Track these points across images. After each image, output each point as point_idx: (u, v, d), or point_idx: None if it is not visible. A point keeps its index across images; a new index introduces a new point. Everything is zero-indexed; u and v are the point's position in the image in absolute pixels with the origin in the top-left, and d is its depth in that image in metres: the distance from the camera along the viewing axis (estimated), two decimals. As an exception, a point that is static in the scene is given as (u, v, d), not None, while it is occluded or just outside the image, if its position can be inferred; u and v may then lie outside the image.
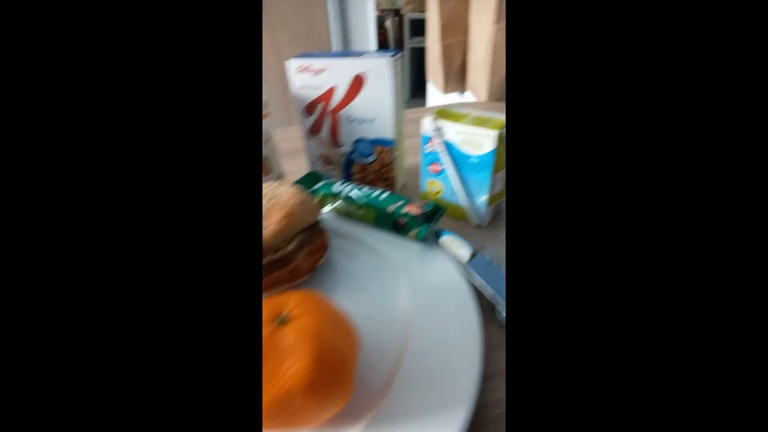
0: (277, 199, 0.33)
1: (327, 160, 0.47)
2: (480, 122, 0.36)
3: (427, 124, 0.38)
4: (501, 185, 0.39)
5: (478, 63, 0.90)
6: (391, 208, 0.36)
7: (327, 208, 0.41)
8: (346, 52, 0.42)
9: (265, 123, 0.42)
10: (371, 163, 0.45)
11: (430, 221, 0.35)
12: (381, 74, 0.39)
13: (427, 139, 0.39)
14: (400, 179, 0.48)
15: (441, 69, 1.00)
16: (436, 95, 1.27)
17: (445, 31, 0.95)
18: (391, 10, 3.37)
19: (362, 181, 0.47)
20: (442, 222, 0.41)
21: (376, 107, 0.41)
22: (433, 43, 1.00)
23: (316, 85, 0.41)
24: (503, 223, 0.41)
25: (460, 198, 0.40)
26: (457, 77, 1.01)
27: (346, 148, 0.45)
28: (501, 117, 0.37)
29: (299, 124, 0.46)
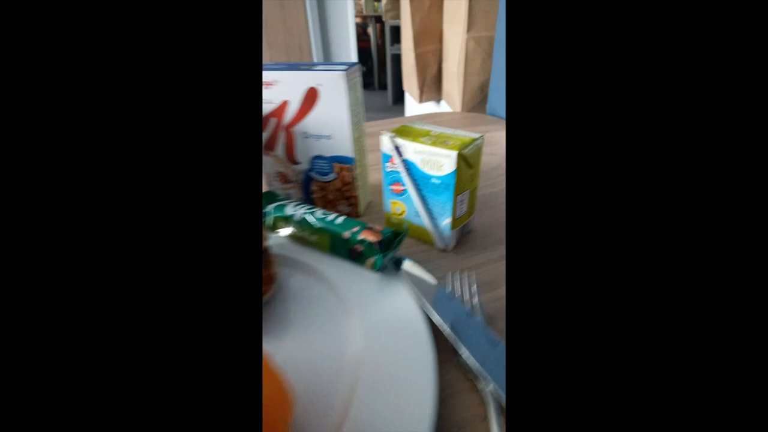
0: None
1: (284, 178, 0.44)
2: (441, 141, 0.34)
3: (386, 142, 0.36)
4: (464, 207, 0.36)
5: (452, 73, 0.88)
6: (347, 234, 0.33)
7: (280, 233, 0.37)
8: (298, 64, 0.39)
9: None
10: (331, 182, 0.42)
11: (387, 249, 0.32)
12: (335, 88, 0.36)
13: (387, 158, 0.37)
14: (365, 198, 0.45)
15: (415, 78, 0.98)
16: (413, 104, 1.25)
17: (419, 39, 0.93)
18: (372, 16, 3.37)
19: (323, 201, 0.44)
20: (406, 245, 0.39)
21: (332, 123, 0.38)
22: (407, 51, 0.99)
23: (268, 98, 0.38)
24: (470, 247, 0.38)
25: (424, 220, 0.37)
26: (432, 86, 1.00)
27: (303, 166, 0.42)
28: (464, 135, 0.35)
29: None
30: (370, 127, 0.74)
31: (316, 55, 2.28)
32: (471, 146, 0.33)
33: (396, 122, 0.77)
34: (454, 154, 0.32)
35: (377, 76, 3.65)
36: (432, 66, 0.97)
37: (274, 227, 0.37)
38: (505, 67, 0.74)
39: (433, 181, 0.34)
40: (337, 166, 0.41)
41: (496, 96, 0.79)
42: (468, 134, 0.35)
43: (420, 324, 0.28)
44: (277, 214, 0.37)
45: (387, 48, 3.15)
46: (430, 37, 0.93)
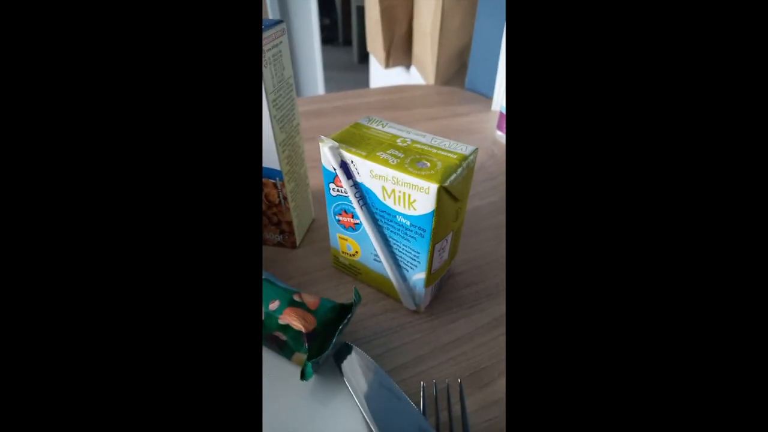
0: None
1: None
2: (413, 160, 0.21)
3: (327, 155, 0.23)
4: (445, 255, 0.25)
5: (424, 33, 0.73)
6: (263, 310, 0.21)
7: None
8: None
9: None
10: (252, 202, 0.29)
11: (324, 343, 0.20)
12: (243, 65, 0.22)
13: (331, 176, 0.24)
14: (304, 218, 0.32)
15: (381, 38, 0.82)
16: (379, 69, 1.09)
17: (386, -12, 0.76)
18: (334, -40, 3.01)
19: (243, 225, 0.31)
20: (362, 297, 0.27)
21: (245, 119, 0.24)
22: (371, 3, 0.81)
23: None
24: (450, 305, 0.27)
25: (387, 271, 0.25)
26: (400, 48, 0.84)
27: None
28: (447, 147, 0.22)
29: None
30: (322, 102, 0.59)
31: (271, 6, 2.00)
32: (459, 171, 0.21)
33: (361, 97, 0.62)
34: (433, 187, 0.20)
35: (341, 29, 3.34)
36: (401, 23, 0.81)
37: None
38: (489, 33, 0.61)
39: (401, 220, 0.22)
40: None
41: (478, 69, 0.66)
42: (452, 146, 0.23)
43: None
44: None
45: (352, 0, 2.86)
46: (399, -13, 0.76)
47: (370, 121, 0.26)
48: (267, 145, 0.25)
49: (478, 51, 0.65)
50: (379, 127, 0.25)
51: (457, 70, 0.74)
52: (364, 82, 2.68)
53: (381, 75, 1.09)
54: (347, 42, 3.32)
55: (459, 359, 0.23)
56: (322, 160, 0.24)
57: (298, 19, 2.10)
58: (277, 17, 2.02)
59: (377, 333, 0.25)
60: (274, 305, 0.21)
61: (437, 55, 0.69)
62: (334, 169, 0.23)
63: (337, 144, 0.22)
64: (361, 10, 2.92)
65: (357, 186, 0.23)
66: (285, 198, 0.28)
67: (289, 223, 0.30)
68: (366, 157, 0.22)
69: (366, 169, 0.22)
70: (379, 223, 0.24)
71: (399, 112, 0.56)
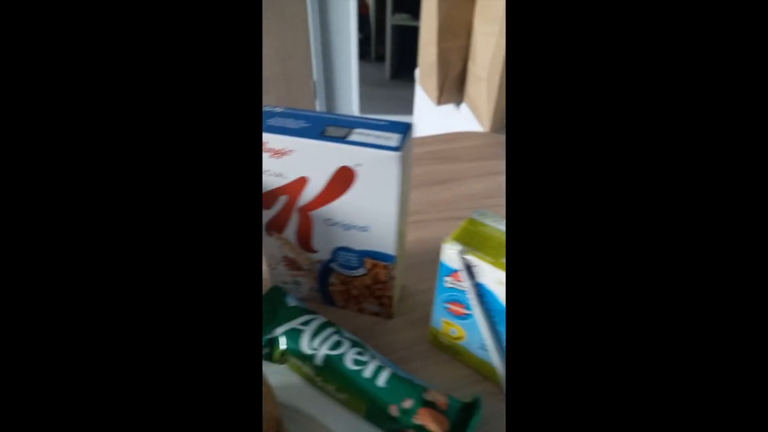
0: None
1: (293, 265, 0.32)
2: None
3: (452, 257, 0.24)
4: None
5: (480, 77, 0.75)
6: (394, 409, 0.22)
7: (287, 373, 0.26)
8: (321, 118, 0.26)
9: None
10: (359, 277, 0.31)
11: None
12: (382, 172, 0.24)
13: (449, 271, 0.26)
14: (398, 292, 0.34)
15: (436, 78, 0.84)
16: (425, 103, 1.11)
17: (443, 33, 0.78)
18: (371, -20, 3.08)
19: (344, 295, 0.33)
20: (460, 377, 0.28)
21: (372, 213, 0.26)
22: (427, 46, 0.84)
23: (277, 171, 0.26)
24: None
25: (494, 361, 0.27)
26: (453, 87, 0.86)
27: (322, 256, 0.30)
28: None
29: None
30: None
31: (312, 21, 2.06)
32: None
33: (418, 146, 0.64)
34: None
35: (374, 45, 3.40)
36: (455, 65, 0.83)
37: (281, 359, 0.26)
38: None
39: (522, 324, 0.24)
40: (369, 261, 0.29)
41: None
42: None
43: None
44: (290, 347, 0.26)
45: (387, 17, 2.91)
46: (457, 32, 0.79)
47: (483, 216, 0.27)
48: (387, 235, 0.27)
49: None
50: (494, 224, 0.26)
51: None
52: (397, 99, 2.72)
53: (425, 110, 1.11)
54: (379, 58, 3.37)
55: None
56: (443, 257, 0.25)
57: (336, 33, 2.16)
58: (318, 31, 2.08)
59: (484, 419, 0.26)
60: (407, 404, 0.22)
61: (495, 101, 0.71)
62: (457, 267, 0.25)
63: (464, 248, 0.24)
64: (396, 29, 2.97)
65: (478, 286, 0.25)
66: (393, 277, 0.30)
67: (390, 297, 0.32)
68: (494, 264, 0.23)
69: (491, 276, 0.23)
70: (494, 319, 0.25)
71: (460, 165, 0.57)
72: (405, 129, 0.25)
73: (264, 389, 0.21)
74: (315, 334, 0.26)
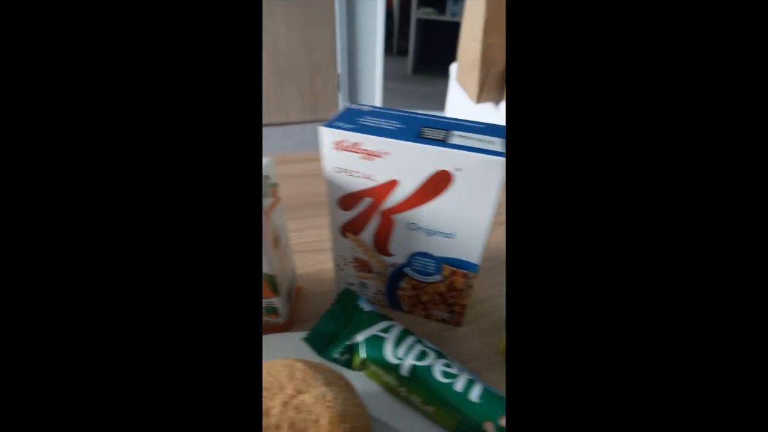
0: (304, 423, 0.18)
1: (364, 267, 0.31)
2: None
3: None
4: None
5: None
6: (490, 426, 0.21)
7: (365, 380, 0.26)
8: (418, 119, 0.24)
9: (271, 220, 0.26)
10: (433, 284, 0.30)
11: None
12: (482, 177, 0.23)
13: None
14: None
15: (477, 74, 0.82)
16: (460, 100, 1.09)
17: (489, 29, 0.76)
18: (397, -28, 3.04)
19: (412, 300, 0.32)
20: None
21: (462, 220, 0.25)
22: (470, 42, 0.82)
23: (367, 172, 0.25)
24: None
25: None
26: (494, 85, 0.84)
27: (396, 259, 0.29)
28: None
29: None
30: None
31: (339, 14, 2.04)
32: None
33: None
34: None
35: (397, 39, 3.37)
36: (498, 62, 0.81)
37: (360, 367, 0.26)
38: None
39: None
40: (447, 268, 0.28)
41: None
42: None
43: None
44: (371, 355, 0.25)
45: (412, 11, 2.88)
46: (503, 28, 0.76)
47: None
48: (475, 244, 0.26)
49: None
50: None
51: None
52: (420, 94, 2.69)
53: (460, 107, 1.09)
54: (401, 52, 3.34)
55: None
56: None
57: (362, 26, 2.13)
58: (344, 23, 2.06)
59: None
60: (505, 422, 0.21)
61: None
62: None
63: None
64: (420, 23, 2.93)
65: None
66: (471, 286, 0.29)
67: (463, 306, 0.31)
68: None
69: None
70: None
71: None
72: (504, 133, 0.24)
73: (357, 400, 0.21)
74: (398, 343, 0.25)
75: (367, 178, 0.25)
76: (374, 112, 0.26)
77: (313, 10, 2.01)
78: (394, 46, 3.41)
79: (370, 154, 0.24)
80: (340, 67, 2.19)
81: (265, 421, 0.19)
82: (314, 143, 2.10)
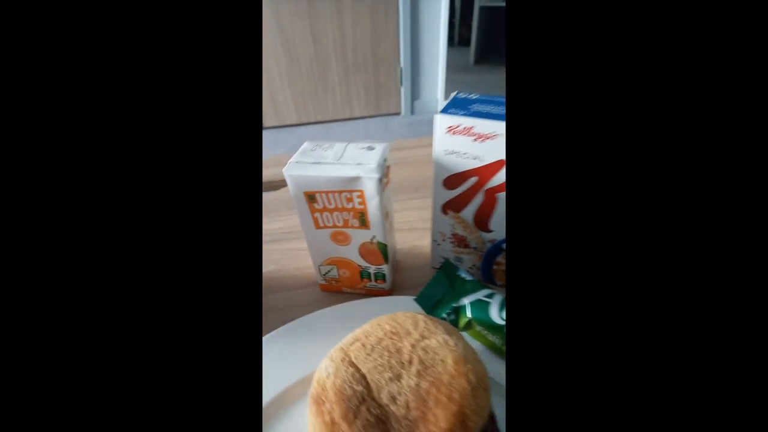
0: (431, 369, 0.22)
1: (461, 242, 0.34)
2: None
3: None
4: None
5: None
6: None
7: (470, 339, 0.29)
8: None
9: (385, 195, 0.30)
10: (527, 259, 0.32)
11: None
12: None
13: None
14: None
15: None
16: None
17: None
18: (463, -40, 2.98)
19: (505, 275, 0.34)
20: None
21: (565, 198, 0.27)
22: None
23: (476, 153, 0.28)
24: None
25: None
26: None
27: (495, 235, 0.32)
28: None
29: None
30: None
31: (403, 7, 2.06)
32: None
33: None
34: None
35: (458, 29, 3.31)
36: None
37: (465, 327, 0.29)
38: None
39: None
40: (545, 244, 0.30)
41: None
42: None
43: None
44: (477, 316, 0.28)
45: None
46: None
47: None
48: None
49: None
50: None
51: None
52: (483, 85, 2.64)
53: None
54: (463, 42, 3.28)
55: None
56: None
57: (426, 19, 2.14)
58: (408, 16, 2.08)
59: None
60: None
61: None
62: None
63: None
64: (484, 11, 2.86)
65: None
66: (567, 262, 0.31)
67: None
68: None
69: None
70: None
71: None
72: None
73: (473, 348, 0.24)
74: (502, 307, 0.28)
75: (476, 158, 0.28)
76: (481, 100, 0.29)
77: (378, 4, 2.06)
78: (455, 36, 3.36)
79: (482, 137, 0.27)
80: (403, 60, 2.22)
81: (398, 357, 0.23)
82: (380, 138, 2.15)
